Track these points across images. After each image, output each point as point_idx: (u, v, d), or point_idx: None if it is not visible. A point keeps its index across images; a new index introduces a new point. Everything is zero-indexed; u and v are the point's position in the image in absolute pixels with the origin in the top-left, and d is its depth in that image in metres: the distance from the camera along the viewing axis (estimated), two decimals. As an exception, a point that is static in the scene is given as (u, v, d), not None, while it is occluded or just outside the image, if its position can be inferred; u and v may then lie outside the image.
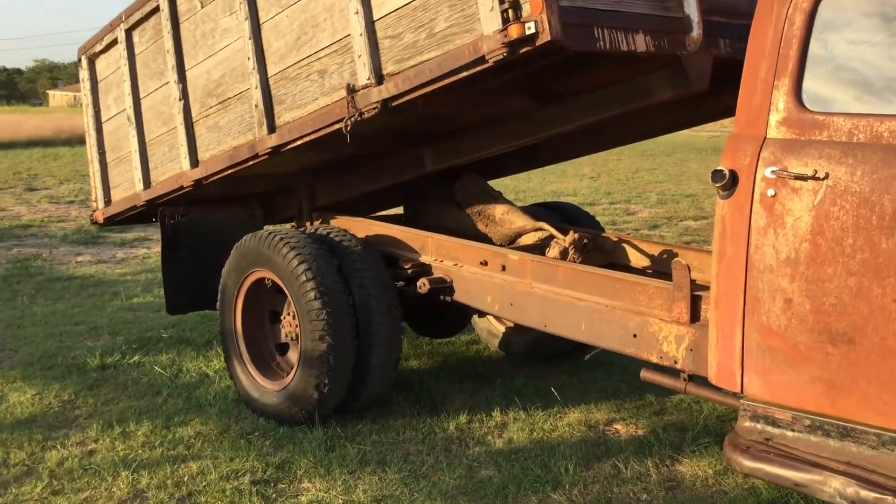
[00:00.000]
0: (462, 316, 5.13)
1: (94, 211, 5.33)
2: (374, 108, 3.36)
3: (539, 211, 5.18)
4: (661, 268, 4.19)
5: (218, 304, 4.41)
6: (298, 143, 3.79)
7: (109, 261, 8.39)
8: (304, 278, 3.89)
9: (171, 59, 4.27)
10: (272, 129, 3.86)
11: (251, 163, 4.06)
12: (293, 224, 4.94)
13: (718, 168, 2.70)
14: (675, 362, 3.17)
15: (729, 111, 4.30)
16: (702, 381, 3.05)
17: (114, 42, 4.78)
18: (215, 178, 4.29)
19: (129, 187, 4.90)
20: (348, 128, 3.45)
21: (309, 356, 3.91)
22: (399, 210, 5.44)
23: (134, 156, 4.74)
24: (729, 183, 2.68)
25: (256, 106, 3.87)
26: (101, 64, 5.08)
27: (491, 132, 4.28)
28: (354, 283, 4.01)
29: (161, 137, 4.58)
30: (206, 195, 4.78)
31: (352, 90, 3.40)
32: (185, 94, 4.27)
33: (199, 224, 4.84)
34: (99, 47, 4.98)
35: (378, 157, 4.73)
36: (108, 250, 8.91)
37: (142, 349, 5.30)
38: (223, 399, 4.43)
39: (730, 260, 2.72)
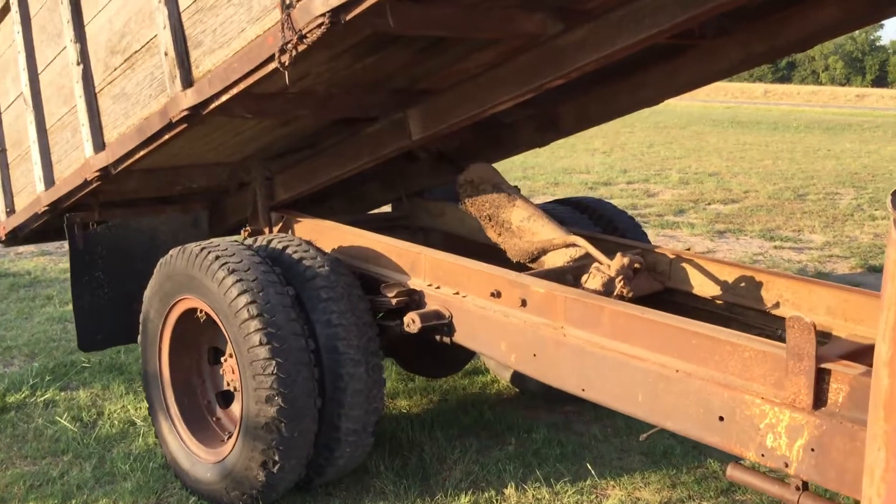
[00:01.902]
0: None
1: None
2: (322, 26, 2.19)
3: (563, 211, 4.04)
4: (735, 299, 3.08)
5: (139, 339, 3.32)
6: (224, 98, 2.64)
7: (55, 252, 7.24)
8: (245, 314, 2.80)
9: (66, 13, 3.11)
10: (188, 82, 2.70)
11: (167, 136, 2.90)
12: (245, 230, 3.78)
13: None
14: (786, 464, 2.15)
15: (814, 38, 3.11)
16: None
17: (6, 8, 3.60)
18: (128, 164, 3.13)
19: (32, 191, 3.77)
20: (285, 64, 2.32)
21: (252, 423, 2.83)
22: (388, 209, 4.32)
23: (33, 147, 3.58)
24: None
25: (167, 54, 2.72)
26: None
27: (497, 75, 3.04)
28: (318, 318, 2.93)
29: (63, 120, 3.42)
30: (130, 194, 3.65)
31: (287, 5, 2.27)
32: (84, 56, 3.11)
33: (120, 233, 3.74)
34: None
35: (347, 127, 3.54)
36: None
37: (59, 380, 4.20)
38: (145, 464, 3.33)
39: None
